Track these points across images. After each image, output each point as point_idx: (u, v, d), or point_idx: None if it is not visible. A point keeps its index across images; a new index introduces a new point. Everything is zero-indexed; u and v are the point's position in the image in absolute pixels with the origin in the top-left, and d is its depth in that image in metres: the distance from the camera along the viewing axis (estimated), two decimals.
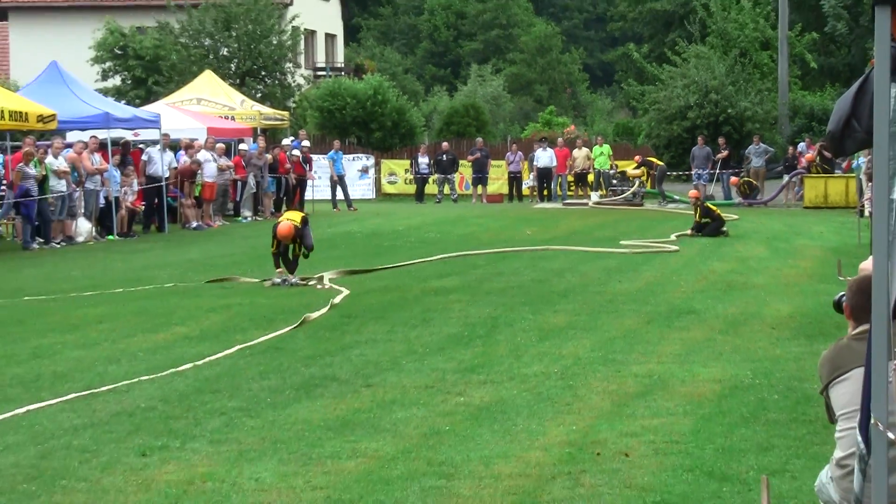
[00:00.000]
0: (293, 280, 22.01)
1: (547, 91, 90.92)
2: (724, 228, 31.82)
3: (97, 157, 33.71)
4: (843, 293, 7.59)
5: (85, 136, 35.11)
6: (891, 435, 5.11)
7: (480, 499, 8.88)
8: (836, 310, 8.12)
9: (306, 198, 44.02)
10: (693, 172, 47.14)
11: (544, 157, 48.98)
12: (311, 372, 13.76)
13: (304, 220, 22.41)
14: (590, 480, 9.29)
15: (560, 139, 51.96)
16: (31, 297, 20.84)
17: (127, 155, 36.26)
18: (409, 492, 9.06)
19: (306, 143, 46.16)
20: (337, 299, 19.15)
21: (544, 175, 49.15)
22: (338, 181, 46.06)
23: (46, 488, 9.27)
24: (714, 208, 32.73)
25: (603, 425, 11.07)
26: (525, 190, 50.30)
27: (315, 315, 17.62)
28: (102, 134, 34.42)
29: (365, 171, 51.06)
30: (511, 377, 13.37)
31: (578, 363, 14.19)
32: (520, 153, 50.37)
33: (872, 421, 5.22)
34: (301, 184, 43.34)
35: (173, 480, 9.41)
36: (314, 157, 46.55)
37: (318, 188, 45.95)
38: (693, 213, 32.70)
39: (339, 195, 45.74)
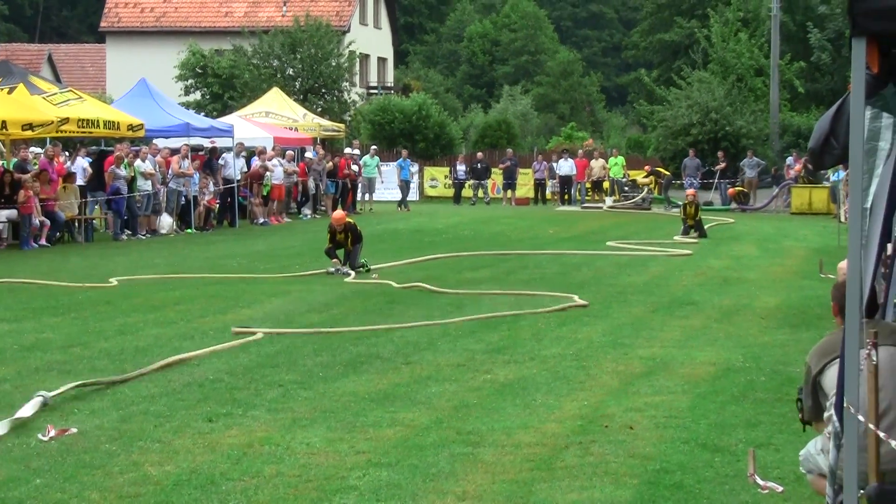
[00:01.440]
0: (345, 270, 21.95)
1: (569, 109, 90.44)
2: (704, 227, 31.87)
3: (186, 162, 33.69)
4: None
5: (169, 143, 35.13)
6: (861, 417, 5.03)
7: (502, 464, 8.80)
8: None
9: (374, 199, 45.18)
10: (685, 180, 47.02)
11: (566, 166, 48.85)
12: (358, 350, 13.71)
13: (357, 238, 22.34)
14: (598, 450, 9.21)
15: (580, 151, 51.74)
16: (119, 280, 20.85)
17: (213, 160, 36.21)
18: (440, 457, 8.99)
19: (357, 151, 46.12)
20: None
21: (566, 182, 49.00)
22: (403, 185, 46.26)
23: (125, 448, 9.24)
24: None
25: (611, 401, 10.98)
26: (549, 194, 50.09)
27: (240, 329, 15.00)
28: (183, 141, 34.43)
29: (410, 176, 50.94)
30: (532, 358, 13.30)
31: (591, 346, 14.11)
32: (544, 163, 50.17)
33: (845, 404, 5.13)
34: (354, 186, 43.32)
35: (235, 443, 9.37)
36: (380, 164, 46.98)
37: (378, 191, 46.18)
38: (683, 213, 32.35)
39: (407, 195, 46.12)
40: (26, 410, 10.23)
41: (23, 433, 9.65)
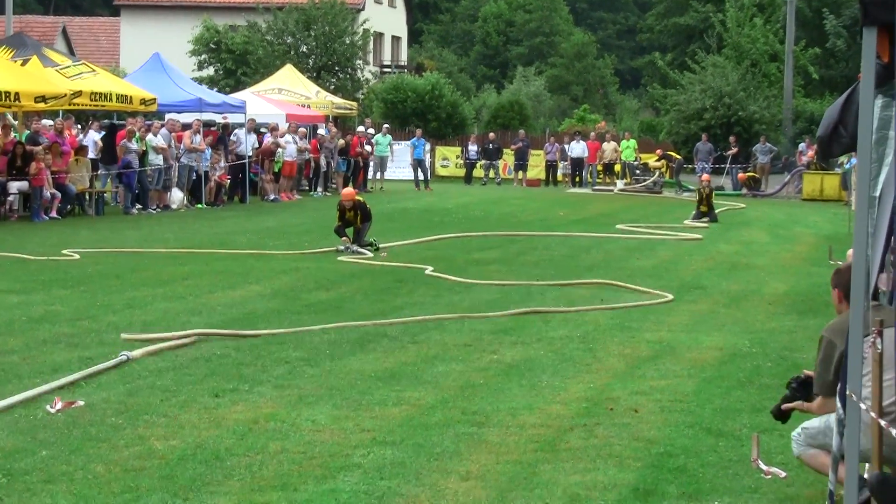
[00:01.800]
0: (355, 248, 21.95)
1: (582, 91, 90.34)
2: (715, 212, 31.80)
3: (197, 137, 33.65)
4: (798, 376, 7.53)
5: (181, 118, 35.15)
6: (863, 406, 5.03)
7: (506, 445, 8.81)
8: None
9: (386, 178, 45.63)
10: (697, 165, 47.02)
11: (577, 148, 48.81)
12: (365, 329, 13.71)
13: (366, 216, 22.32)
14: (603, 432, 9.22)
15: (592, 133, 51.68)
16: (129, 252, 20.88)
17: (225, 135, 36.19)
18: (445, 436, 9.00)
19: (370, 129, 46.15)
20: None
21: (577, 164, 48.98)
22: (417, 164, 46.23)
23: (131, 421, 9.27)
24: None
25: (617, 384, 10.99)
26: (560, 176, 50.07)
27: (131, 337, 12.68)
28: (196, 116, 34.43)
29: (424, 155, 50.91)
30: (539, 339, 13.30)
31: (598, 329, 14.11)
32: (556, 144, 50.11)
33: (848, 392, 5.14)
34: (365, 165, 43.39)
35: (241, 419, 9.40)
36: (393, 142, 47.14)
37: (390, 170, 46.31)
38: (698, 198, 32.25)
39: (420, 176, 46.03)
40: (105, 364, 11.13)
41: (30, 405, 9.68)
